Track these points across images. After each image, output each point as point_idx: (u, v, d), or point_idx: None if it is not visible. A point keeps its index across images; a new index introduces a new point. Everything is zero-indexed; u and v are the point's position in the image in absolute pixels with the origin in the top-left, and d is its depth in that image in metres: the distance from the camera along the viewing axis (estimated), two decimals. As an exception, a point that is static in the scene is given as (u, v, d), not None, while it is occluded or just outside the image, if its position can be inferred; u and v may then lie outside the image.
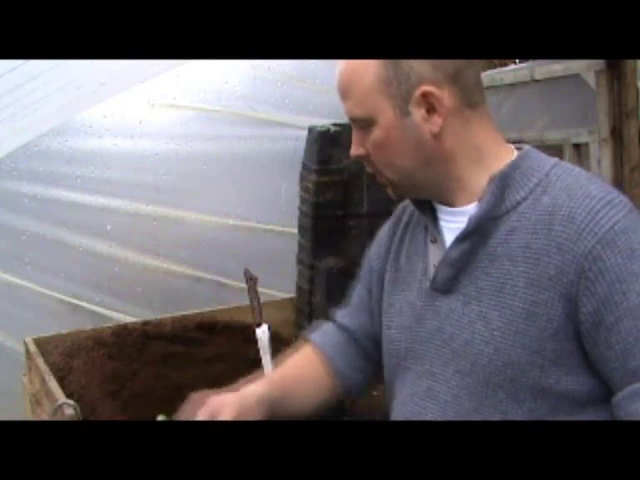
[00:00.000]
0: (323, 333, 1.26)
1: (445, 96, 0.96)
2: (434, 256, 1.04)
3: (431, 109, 0.97)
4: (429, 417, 1.00)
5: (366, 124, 1.00)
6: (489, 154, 1.00)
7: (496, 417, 0.94)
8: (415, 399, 1.03)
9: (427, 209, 1.06)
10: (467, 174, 1.00)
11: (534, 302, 0.91)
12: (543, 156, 1.02)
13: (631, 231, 0.88)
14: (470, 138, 1.00)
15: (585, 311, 0.88)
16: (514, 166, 0.98)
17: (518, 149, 1.03)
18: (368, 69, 0.97)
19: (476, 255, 0.97)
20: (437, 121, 0.97)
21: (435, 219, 1.05)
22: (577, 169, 0.99)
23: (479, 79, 1.02)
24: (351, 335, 1.23)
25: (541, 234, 0.92)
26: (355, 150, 1.03)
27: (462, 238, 0.98)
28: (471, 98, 0.99)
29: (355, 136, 1.03)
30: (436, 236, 1.04)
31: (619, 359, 0.87)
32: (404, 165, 1.00)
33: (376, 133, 0.99)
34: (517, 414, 0.92)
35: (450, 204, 1.03)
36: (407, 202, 1.17)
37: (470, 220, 0.97)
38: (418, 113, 0.97)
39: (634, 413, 0.85)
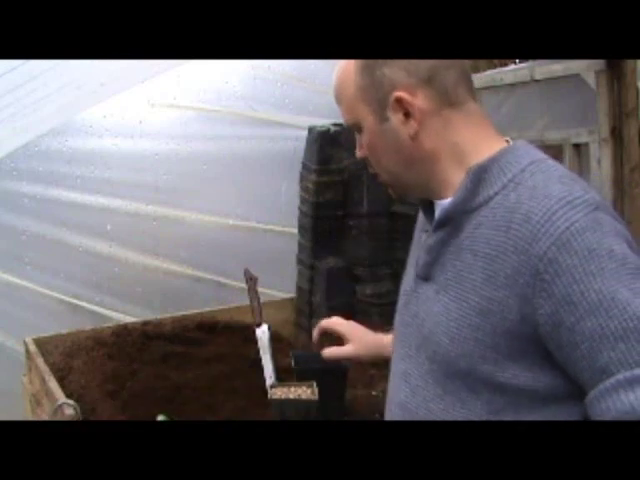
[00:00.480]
0: None
1: (419, 100, 0.99)
2: (425, 244, 1.08)
3: (407, 113, 1.00)
4: (402, 398, 1.04)
5: (356, 129, 1.06)
6: (472, 151, 1.01)
7: (457, 405, 0.96)
8: (395, 380, 1.09)
9: (427, 202, 1.10)
10: (450, 172, 1.01)
11: (489, 298, 0.91)
12: (530, 151, 0.99)
13: (589, 231, 0.86)
14: (452, 137, 1.01)
15: (543, 312, 0.88)
16: (493, 160, 0.98)
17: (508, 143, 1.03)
18: (350, 77, 1.03)
19: (448, 246, 1.00)
20: (413, 125, 1.00)
21: (429, 209, 1.09)
22: (556, 167, 0.96)
23: (463, 78, 1.01)
24: None
25: (501, 231, 0.92)
26: (359, 152, 1.09)
27: (436, 228, 1.02)
28: (451, 98, 1.00)
29: (357, 139, 1.08)
30: (428, 227, 1.07)
31: (586, 358, 0.86)
32: (389, 167, 1.05)
33: (364, 137, 1.05)
34: (476, 405, 0.94)
35: (441, 199, 1.05)
36: None
37: (441, 211, 1.01)
38: (396, 118, 1.01)
39: (606, 411, 0.84)
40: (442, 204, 1.03)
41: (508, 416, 0.92)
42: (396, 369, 1.09)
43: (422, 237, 1.11)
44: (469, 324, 0.93)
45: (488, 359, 0.92)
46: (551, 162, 0.98)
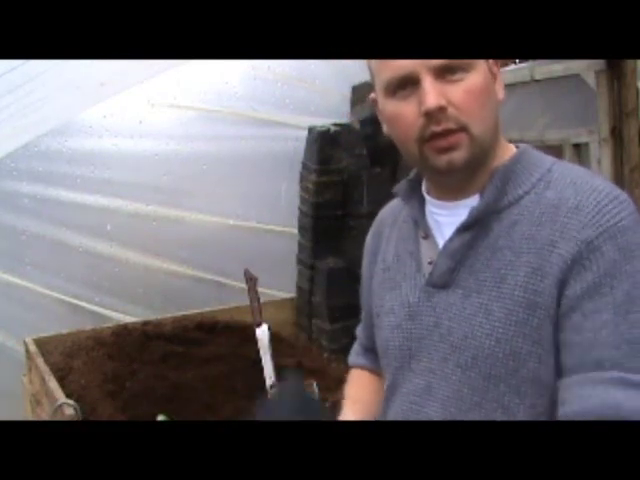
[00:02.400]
0: (364, 354, 1.29)
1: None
2: (427, 252, 1.04)
3: (494, 77, 0.99)
4: (430, 414, 0.99)
5: (463, 67, 0.94)
6: (499, 146, 1.02)
7: (498, 412, 0.94)
8: (412, 397, 1.02)
9: (416, 205, 1.06)
10: (489, 158, 1.00)
11: (535, 291, 0.91)
12: (542, 154, 1.03)
13: (632, 231, 0.89)
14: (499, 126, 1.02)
15: (568, 294, 0.89)
16: (515, 161, 0.99)
17: (516, 147, 1.04)
18: None
19: (477, 248, 0.97)
20: (500, 89, 1.00)
21: (424, 213, 1.05)
22: (578, 166, 1.01)
23: None
24: (374, 352, 1.23)
25: (546, 226, 0.92)
26: (437, 100, 0.92)
27: (463, 230, 0.98)
28: None
29: (434, 87, 0.93)
30: (427, 232, 1.04)
31: (584, 346, 0.87)
32: (492, 116, 0.98)
33: (474, 78, 0.95)
34: (518, 409, 0.93)
35: (452, 197, 1.02)
36: (387, 206, 1.19)
37: (472, 212, 0.97)
38: (495, 78, 1.00)
39: (586, 397, 0.85)
40: (463, 204, 0.99)
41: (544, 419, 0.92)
42: (414, 387, 1.03)
43: (420, 244, 1.05)
44: (516, 321, 0.92)
45: (534, 355, 0.91)
46: (564, 161, 1.02)
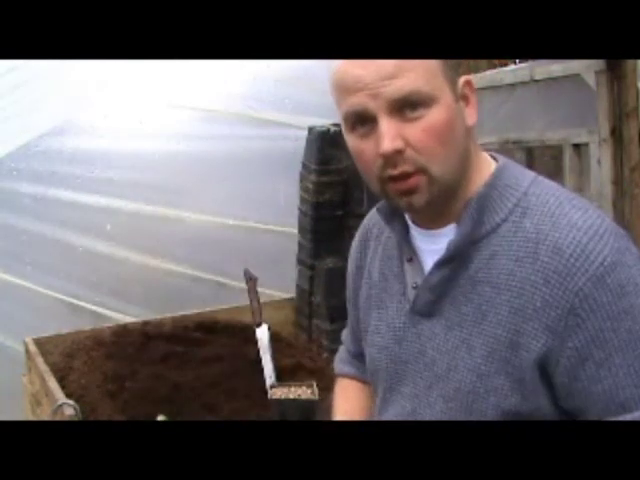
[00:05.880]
0: (350, 362, 1.28)
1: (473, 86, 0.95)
2: (411, 276, 1.02)
3: (466, 100, 0.94)
4: None
5: (423, 102, 0.89)
6: (474, 169, 0.97)
7: None
8: (398, 419, 1.02)
9: (397, 227, 1.03)
10: (461, 187, 0.96)
11: (517, 331, 0.90)
12: (519, 170, 0.99)
13: (619, 266, 0.87)
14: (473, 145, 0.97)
15: (572, 346, 0.88)
16: (491, 186, 0.95)
17: (493, 158, 1.00)
18: None
19: (457, 280, 0.95)
20: (472, 113, 0.95)
21: (407, 236, 1.02)
22: (556, 187, 0.96)
23: None
24: (361, 358, 1.22)
25: (526, 263, 0.90)
26: (392, 143, 0.88)
27: (442, 264, 0.96)
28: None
29: (391, 128, 0.89)
30: (412, 256, 1.01)
31: (606, 393, 0.87)
32: (456, 152, 0.92)
33: (435, 114, 0.89)
34: None
35: (429, 226, 0.99)
36: (373, 214, 1.15)
37: (449, 246, 0.95)
38: (461, 102, 0.94)
39: None
40: (441, 234, 0.97)
41: None
42: (401, 410, 1.02)
43: (404, 267, 1.03)
44: (499, 358, 0.91)
45: (516, 392, 0.90)
46: (545, 180, 0.98)
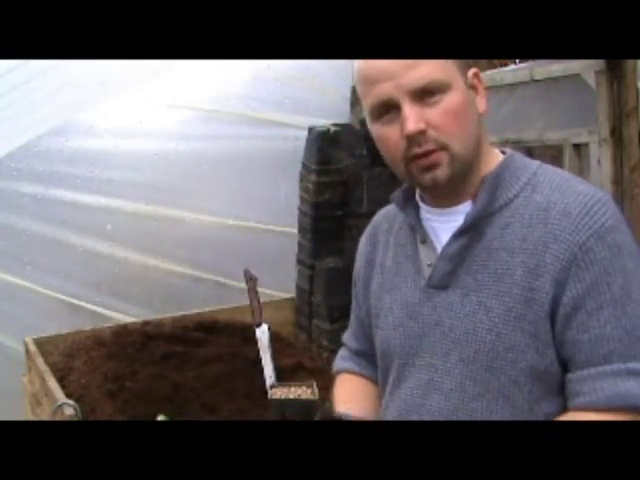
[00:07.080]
0: (351, 358, 1.31)
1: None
2: (426, 255, 1.09)
3: (475, 90, 1.04)
4: (433, 406, 1.04)
5: (440, 89, 0.99)
6: (485, 155, 1.07)
7: (499, 401, 0.99)
8: (415, 391, 1.07)
9: (411, 211, 1.12)
10: (475, 168, 1.05)
11: (531, 288, 0.98)
12: (527, 158, 1.10)
13: (617, 230, 0.97)
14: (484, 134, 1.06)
15: (570, 295, 0.96)
16: (503, 167, 1.05)
17: (502, 152, 1.10)
18: None
19: (473, 250, 1.03)
20: (482, 101, 1.04)
21: (420, 220, 1.11)
22: (560, 170, 1.08)
23: None
24: (365, 355, 1.27)
25: (537, 227, 0.99)
26: (416, 124, 0.98)
27: (459, 234, 1.04)
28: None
29: (413, 112, 0.98)
30: (425, 237, 1.09)
31: (591, 342, 0.95)
32: (472, 131, 1.03)
33: (451, 98, 0.99)
34: (518, 398, 0.99)
35: (445, 204, 1.08)
36: (380, 213, 1.25)
37: (466, 218, 1.03)
38: (472, 89, 1.03)
39: (599, 390, 0.94)
40: (457, 211, 1.05)
41: (544, 404, 0.99)
42: (417, 382, 1.07)
43: (418, 248, 1.10)
44: (514, 316, 0.98)
45: (531, 348, 0.98)
46: (550, 165, 1.08)
